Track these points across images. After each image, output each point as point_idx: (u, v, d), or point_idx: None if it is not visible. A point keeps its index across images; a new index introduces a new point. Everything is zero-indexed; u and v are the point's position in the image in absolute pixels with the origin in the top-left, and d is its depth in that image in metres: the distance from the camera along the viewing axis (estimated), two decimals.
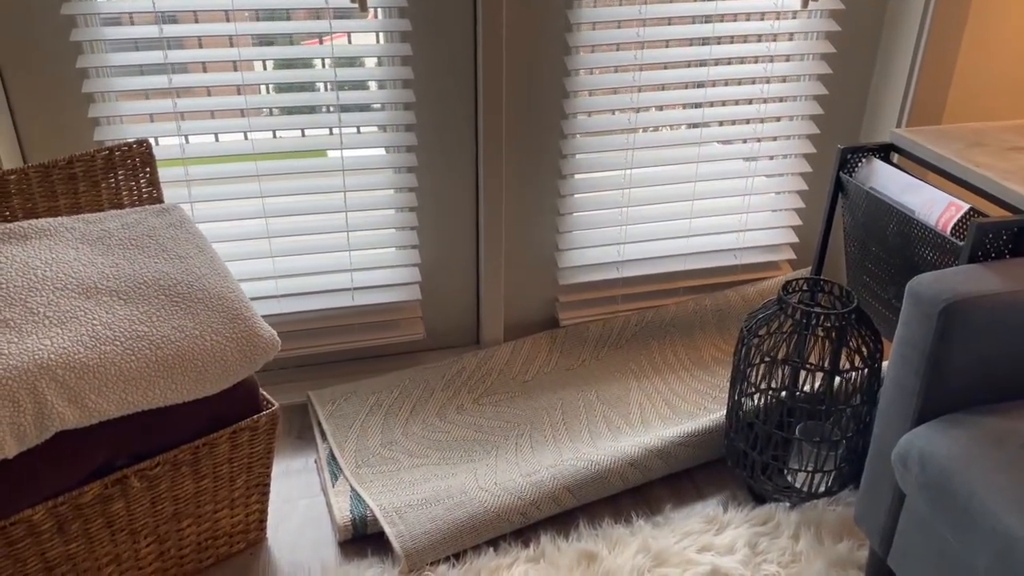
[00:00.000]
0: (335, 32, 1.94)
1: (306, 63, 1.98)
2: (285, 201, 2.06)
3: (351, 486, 1.84)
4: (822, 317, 1.69)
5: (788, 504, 1.81)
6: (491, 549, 1.71)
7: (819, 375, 1.98)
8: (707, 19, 2.14)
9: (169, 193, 1.98)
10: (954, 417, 1.37)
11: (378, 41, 2.02)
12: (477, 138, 2.10)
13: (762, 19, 2.18)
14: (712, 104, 2.23)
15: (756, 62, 2.22)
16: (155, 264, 1.53)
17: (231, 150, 1.98)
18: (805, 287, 1.84)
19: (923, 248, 1.66)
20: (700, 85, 2.21)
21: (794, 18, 2.19)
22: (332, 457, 1.94)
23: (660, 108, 2.22)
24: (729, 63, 2.20)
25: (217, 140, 2.04)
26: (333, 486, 1.85)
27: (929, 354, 1.37)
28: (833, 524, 1.75)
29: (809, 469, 1.77)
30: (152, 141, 1.79)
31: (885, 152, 1.88)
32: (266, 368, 2.20)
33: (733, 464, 1.87)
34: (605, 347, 2.31)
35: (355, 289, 2.18)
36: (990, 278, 1.39)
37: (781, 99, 2.28)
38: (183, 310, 1.46)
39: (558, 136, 2.16)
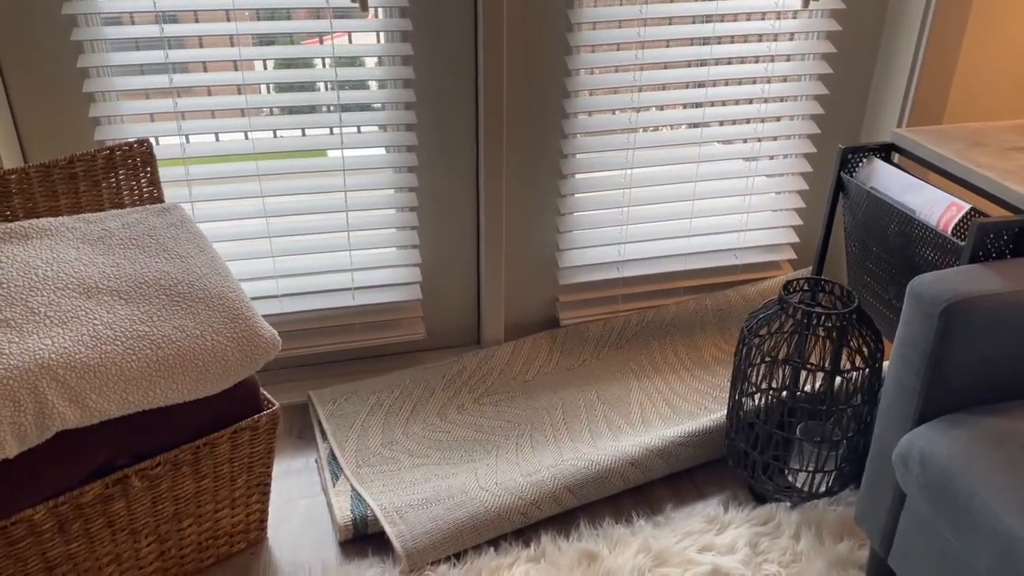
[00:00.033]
0: (336, 32, 1.94)
1: (307, 63, 1.98)
2: (286, 201, 2.06)
3: (352, 486, 1.84)
4: (823, 317, 1.69)
5: (789, 504, 1.81)
6: (492, 549, 1.71)
7: (820, 375, 1.98)
8: (708, 19, 2.14)
9: (170, 193, 1.98)
10: (955, 417, 1.37)
11: (379, 41, 2.02)
12: (478, 138, 2.10)
13: (763, 19, 2.18)
14: (713, 104, 2.22)
15: (757, 62, 2.22)
16: (156, 264, 1.53)
17: (232, 150, 1.98)
18: (806, 287, 1.84)
19: (924, 248, 1.66)
20: (701, 85, 2.21)
21: (795, 18, 2.19)
22: (333, 457, 1.94)
23: (661, 108, 2.22)
24: (730, 63, 2.20)
25: (218, 140, 2.04)
26: (334, 486, 1.85)
27: (930, 354, 1.37)
28: (834, 524, 1.75)
29: (810, 469, 1.77)
30: (153, 141, 1.79)
31: (886, 152, 1.88)
32: (267, 368, 2.20)
33: (734, 464, 1.87)
34: (606, 347, 2.31)
35: (356, 289, 2.18)
36: (991, 278, 1.39)
37: (782, 99, 2.28)
38: (184, 310, 1.46)
39: (558, 136, 2.16)
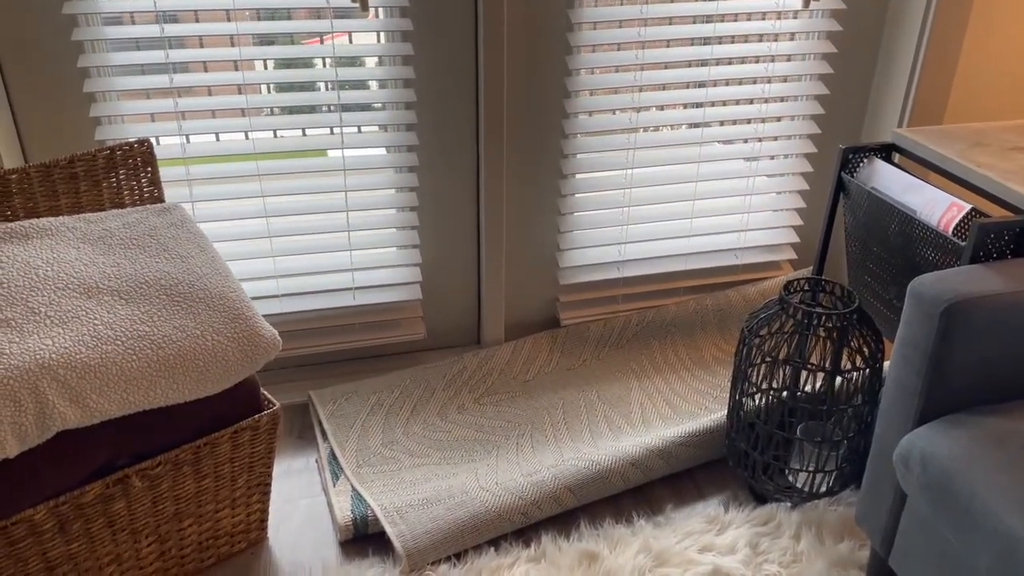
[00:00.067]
0: (336, 31, 1.94)
1: (307, 62, 1.98)
2: (286, 200, 2.06)
3: (352, 486, 1.84)
4: (823, 317, 1.69)
5: (789, 504, 1.81)
6: (492, 549, 1.71)
7: (820, 375, 1.98)
8: (708, 19, 2.14)
9: (170, 192, 1.97)
10: (956, 417, 1.37)
11: (379, 40, 2.02)
12: (478, 137, 2.10)
13: (763, 19, 2.18)
14: (713, 104, 2.22)
15: (757, 62, 2.22)
16: (156, 264, 1.53)
17: (232, 149, 1.98)
18: (806, 287, 1.84)
19: (925, 248, 1.66)
20: (701, 85, 2.21)
21: (795, 18, 2.19)
22: (333, 457, 1.94)
23: (661, 108, 2.22)
24: (730, 63, 2.20)
25: (218, 139, 2.04)
26: (334, 486, 1.85)
27: (931, 354, 1.37)
28: (834, 524, 1.75)
29: (810, 469, 1.77)
30: (153, 140, 1.79)
31: (887, 152, 1.88)
32: (267, 368, 2.20)
33: (734, 464, 1.87)
34: (606, 347, 2.31)
35: (356, 289, 2.18)
36: (992, 278, 1.38)
37: (782, 99, 2.28)
38: (184, 310, 1.46)
39: (559, 135, 2.15)
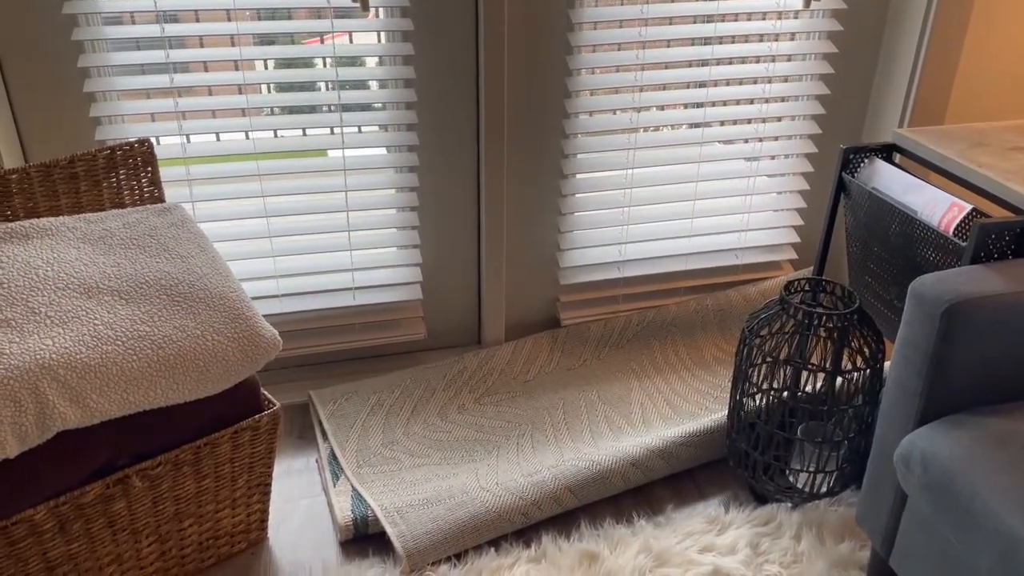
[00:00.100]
0: (336, 31, 1.94)
1: (307, 62, 1.98)
2: (286, 200, 2.06)
3: (352, 486, 1.84)
4: (824, 317, 1.68)
5: (790, 504, 1.81)
6: (492, 549, 1.71)
7: (821, 375, 1.98)
8: (709, 19, 2.14)
9: (170, 192, 1.97)
10: (957, 418, 1.37)
11: (379, 40, 2.02)
12: (478, 137, 2.10)
13: (764, 19, 2.17)
14: (714, 104, 2.22)
15: (758, 62, 2.22)
16: (156, 264, 1.53)
17: (232, 149, 1.98)
18: (807, 287, 1.84)
19: (925, 249, 1.66)
20: (702, 85, 2.20)
21: (796, 18, 2.18)
22: (333, 457, 1.94)
23: (662, 108, 2.22)
24: (731, 63, 2.20)
25: (218, 139, 2.04)
26: (334, 486, 1.85)
27: (932, 355, 1.36)
28: (835, 525, 1.75)
29: (811, 469, 1.77)
30: (153, 140, 1.79)
31: (887, 152, 1.88)
32: (267, 368, 2.20)
33: (735, 464, 1.87)
34: (606, 347, 2.31)
35: (356, 289, 2.18)
36: (993, 279, 1.38)
37: (783, 99, 2.28)
38: (184, 310, 1.46)
39: (559, 135, 2.15)
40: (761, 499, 1.86)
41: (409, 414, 2.07)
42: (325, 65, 1.97)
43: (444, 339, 2.33)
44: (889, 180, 1.78)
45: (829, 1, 2.16)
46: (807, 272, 2.43)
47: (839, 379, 1.71)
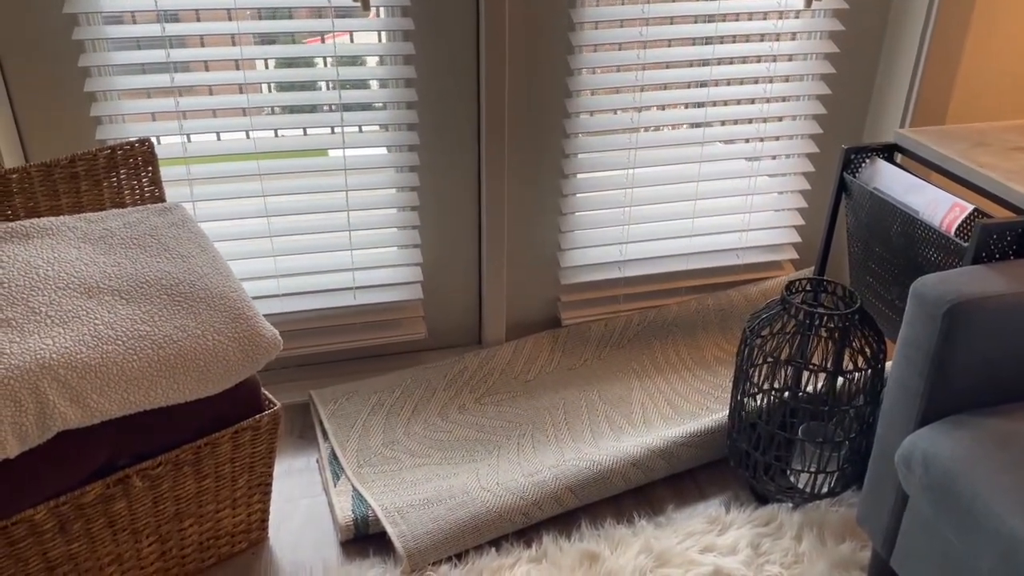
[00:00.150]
0: (337, 31, 1.93)
1: (308, 62, 1.98)
2: (287, 200, 2.06)
3: (353, 486, 1.84)
4: (825, 318, 1.68)
5: (791, 505, 1.81)
6: (493, 549, 1.71)
7: (822, 376, 1.98)
8: (710, 18, 2.14)
9: (171, 192, 1.97)
10: (958, 418, 1.37)
11: (380, 40, 2.02)
12: (479, 137, 2.10)
13: (765, 18, 2.17)
14: (715, 104, 2.22)
15: (759, 61, 2.22)
16: (157, 263, 1.53)
17: (233, 149, 1.98)
18: (808, 287, 1.84)
19: (927, 249, 1.66)
20: (703, 84, 2.20)
21: (797, 17, 2.18)
22: (334, 456, 1.93)
23: (662, 107, 2.22)
24: (732, 62, 2.19)
25: (219, 139, 2.04)
26: (335, 486, 1.84)
27: (933, 355, 1.36)
28: (836, 525, 1.74)
29: (812, 470, 1.77)
30: (154, 140, 1.79)
31: (889, 152, 1.87)
32: (268, 367, 2.20)
33: (735, 464, 1.87)
34: (607, 347, 2.31)
35: (357, 288, 2.18)
36: (994, 279, 1.38)
37: (784, 99, 2.28)
38: (185, 309, 1.46)
39: (560, 135, 2.15)
40: (762, 499, 1.86)
41: (410, 414, 2.06)
42: (326, 64, 1.96)
43: (445, 339, 2.33)
44: (890, 180, 1.78)
45: (830, 1, 2.16)
46: (808, 272, 2.43)
47: (840, 379, 1.71)
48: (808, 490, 1.80)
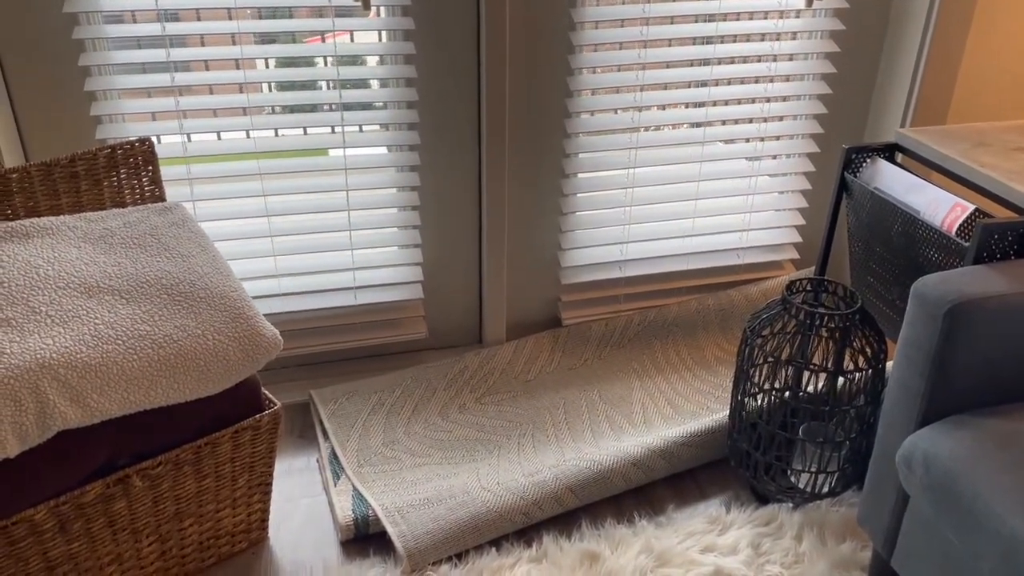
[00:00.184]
0: (338, 30, 1.93)
1: (308, 61, 1.98)
2: (287, 200, 2.06)
3: (353, 485, 1.84)
4: (826, 317, 1.68)
5: (791, 505, 1.81)
6: (493, 549, 1.71)
7: (823, 376, 1.98)
8: (710, 18, 2.14)
9: (171, 191, 1.97)
10: (959, 419, 1.37)
11: (381, 39, 2.02)
12: (480, 137, 2.09)
13: (765, 18, 2.17)
14: (715, 103, 2.22)
15: (759, 61, 2.22)
16: (157, 263, 1.53)
17: (233, 148, 1.98)
18: (809, 287, 1.84)
19: (928, 249, 1.66)
20: (703, 84, 2.20)
21: (798, 17, 2.18)
22: (334, 456, 1.93)
23: (663, 107, 2.21)
24: (732, 62, 2.19)
25: (219, 138, 2.03)
26: (335, 485, 1.84)
27: (934, 355, 1.36)
28: (836, 525, 1.74)
29: (812, 470, 1.77)
30: (154, 139, 1.79)
31: (890, 152, 1.87)
32: (268, 367, 2.20)
33: (736, 464, 1.87)
34: (608, 346, 2.31)
35: (357, 288, 2.18)
36: (996, 279, 1.38)
37: (785, 98, 2.28)
38: (185, 309, 1.46)
39: (561, 135, 2.15)
40: (762, 499, 1.85)
41: (410, 413, 2.06)
42: (326, 64, 1.96)
43: (445, 338, 2.33)
44: (891, 180, 1.78)
45: (831, 0, 2.16)
46: (809, 272, 2.43)
47: (841, 379, 1.71)
48: (809, 490, 1.80)
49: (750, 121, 2.27)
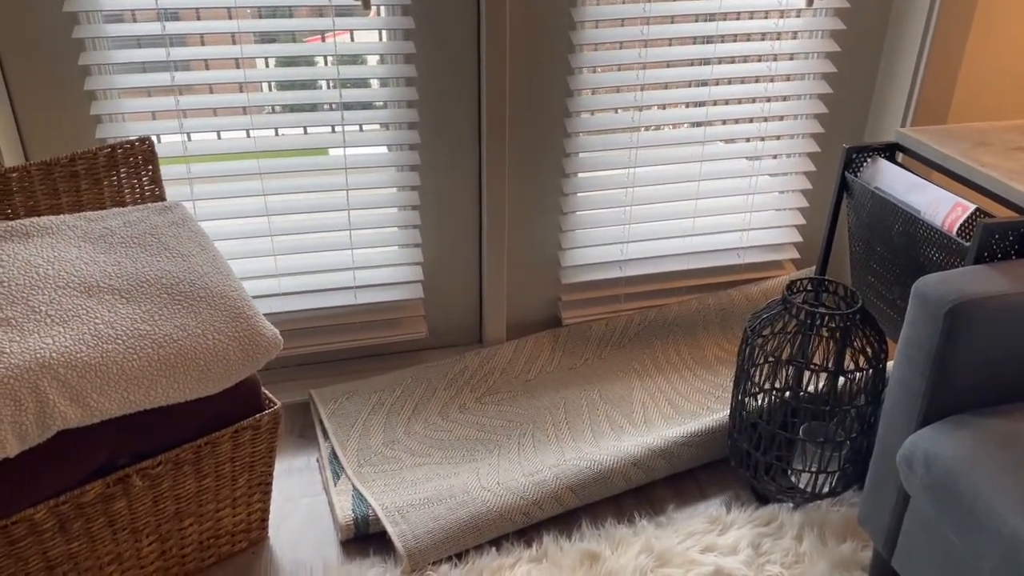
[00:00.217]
0: (338, 29, 1.93)
1: (309, 61, 1.98)
2: (287, 199, 2.06)
3: (353, 485, 1.84)
4: (826, 317, 1.68)
5: (791, 505, 1.81)
6: (493, 549, 1.71)
7: (823, 375, 1.98)
8: (711, 17, 2.14)
9: (171, 191, 1.97)
10: (960, 418, 1.37)
11: (381, 39, 2.02)
12: (480, 136, 2.09)
13: (766, 17, 2.17)
14: (716, 103, 2.22)
15: (760, 61, 2.22)
16: (157, 262, 1.53)
17: (233, 148, 1.97)
18: (809, 287, 1.84)
19: (929, 248, 1.65)
20: (704, 84, 2.20)
21: (798, 16, 2.18)
22: (334, 456, 1.93)
23: (663, 107, 2.21)
24: (733, 62, 2.19)
25: (219, 138, 2.03)
26: (335, 485, 1.84)
27: (935, 355, 1.36)
28: (837, 525, 1.74)
29: (813, 470, 1.77)
30: (154, 139, 1.79)
31: (890, 152, 1.87)
32: (268, 367, 2.20)
33: (736, 464, 1.87)
34: (608, 346, 2.31)
35: (357, 287, 2.18)
36: (996, 279, 1.38)
37: (785, 98, 2.28)
38: (185, 309, 1.46)
39: (561, 134, 2.15)
40: (763, 499, 1.85)
41: (410, 413, 2.06)
42: (326, 63, 1.96)
43: (445, 338, 2.33)
44: (892, 180, 1.78)
45: (832, 0, 2.16)
46: (809, 272, 2.43)
47: (841, 379, 1.71)
48: (809, 490, 1.80)
49: (750, 120, 2.27)
